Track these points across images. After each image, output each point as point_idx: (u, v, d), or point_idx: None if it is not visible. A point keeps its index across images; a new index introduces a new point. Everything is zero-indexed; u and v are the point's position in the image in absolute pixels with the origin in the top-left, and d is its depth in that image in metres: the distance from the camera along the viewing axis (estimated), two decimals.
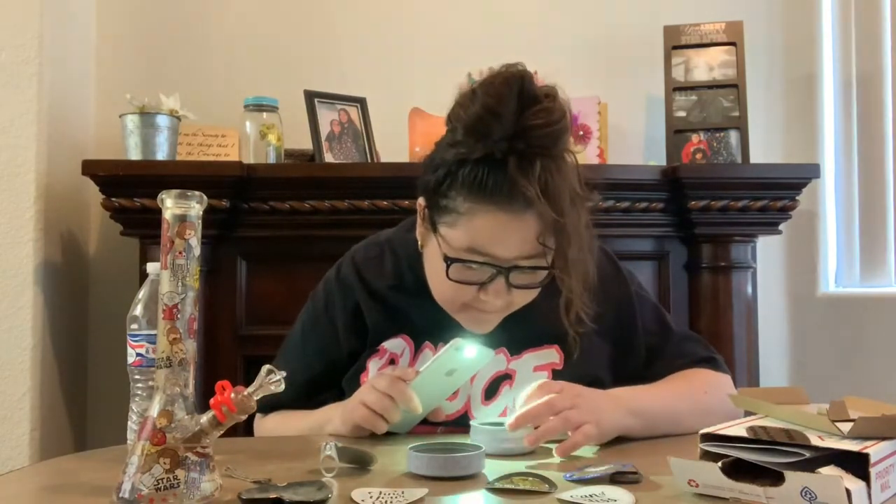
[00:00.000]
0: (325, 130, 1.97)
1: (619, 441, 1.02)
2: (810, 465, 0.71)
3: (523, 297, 1.06)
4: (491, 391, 1.11)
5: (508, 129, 0.97)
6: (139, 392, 0.94)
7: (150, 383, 0.90)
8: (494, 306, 1.04)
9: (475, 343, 1.03)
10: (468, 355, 1.02)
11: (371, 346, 1.15)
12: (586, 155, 2.00)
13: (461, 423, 1.08)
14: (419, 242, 1.11)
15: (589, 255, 1.06)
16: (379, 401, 1.02)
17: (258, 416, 1.23)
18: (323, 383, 1.18)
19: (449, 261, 1.02)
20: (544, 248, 1.00)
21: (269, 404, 1.14)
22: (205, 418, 0.76)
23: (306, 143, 1.99)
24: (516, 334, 1.11)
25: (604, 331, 1.13)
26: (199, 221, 0.78)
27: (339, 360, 1.18)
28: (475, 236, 1.00)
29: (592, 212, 1.07)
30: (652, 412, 1.05)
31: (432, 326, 1.11)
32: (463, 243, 1.01)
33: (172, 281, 0.76)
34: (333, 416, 1.10)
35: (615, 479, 0.83)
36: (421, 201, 1.08)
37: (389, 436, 1.06)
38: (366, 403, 1.03)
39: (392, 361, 1.13)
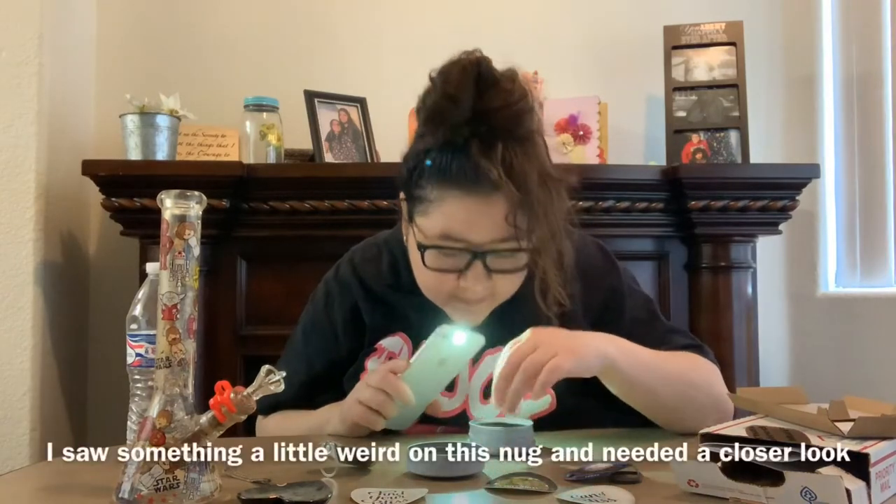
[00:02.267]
0: (325, 130, 1.97)
1: (618, 439, 1.02)
2: (810, 465, 0.71)
3: (506, 285, 1.06)
4: (489, 389, 1.11)
5: (467, 114, 0.98)
6: (139, 392, 0.94)
7: (150, 383, 0.90)
8: (476, 293, 1.04)
9: (463, 329, 1.03)
10: (457, 343, 1.02)
11: (369, 345, 1.16)
12: (586, 155, 2.00)
13: (460, 422, 1.08)
14: (404, 237, 1.12)
15: (565, 238, 1.06)
16: (373, 397, 1.02)
17: (259, 416, 1.23)
18: (324, 383, 1.19)
19: (422, 248, 1.03)
20: (515, 229, 1.00)
21: (271, 404, 1.15)
22: (204, 418, 0.76)
23: (306, 143, 1.99)
24: (513, 332, 1.11)
25: (591, 319, 1.13)
26: (199, 221, 0.78)
27: (339, 359, 1.18)
28: (447, 222, 1.01)
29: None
30: (637, 355, 1.04)
31: (429, 324, 1.11)
32: (436, 230, 1.02)
33: (172, 281, 0.76)
34: (332, 417, 1.10)
35: (615, 479, 0.83)
36: (401, 195, 1.09)
37: (389, 436, 1.06)
38: (361, 401, 1.03)
39: (390, 360, 1.13)
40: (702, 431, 0.80)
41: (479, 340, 1.05)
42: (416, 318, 1.13)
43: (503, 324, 1.09)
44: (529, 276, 1.09)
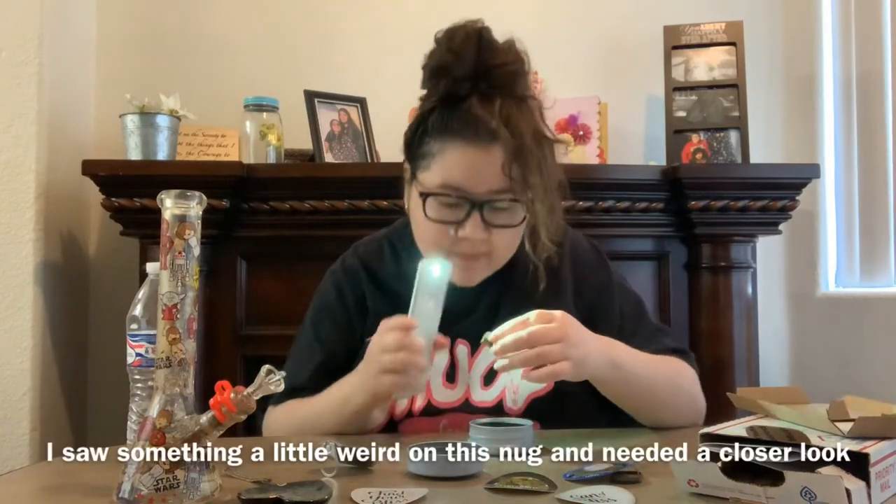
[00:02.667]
0: (325, 130, 1.97)
1: (618, 439, 1.02)
2: (810, 465, 0.71)
3: (503, 241, 1.11)
4: (489, 377, 1.13)
5: (468, 69, 1.05)
6: (139, 392, 0.95)
7: (150, 383, 0.90)
8: (474, 246, 1.08)
9: (435, 261, 1.04)
10: (435, 273, 1.04)
11: (369, 334, 1.16)
12: (586, 155, 2.00)
13: (463, 411, 1.10)
14: (405, 204, 1.17)
15: (556, 194, 1.10)
16: (395, 360, 1.00)
17: (270, 406, 1.21)
18: (338, 368, 1.16)
19: (424, 196, 1.08)
20: (511, 180, 1.04)
21: (285, 393, 1.14)
22: (204, 418, 0.76)
23: (306, 143, 1.99)
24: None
25: (582, 312, 1.14)
26: (199, 221, 0.78)
27: (352, 346, 1.19)
28: (447, 173, 1.07)
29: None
30: (631, 368, 1.08)
31: None
32: (437, 181, 1.08)
33: (172, 281, 0.76)
34: (351, 394, 1.08)
35: (615, 479, 0.83)
36: (405, 164, 1.15)
37: (389, 436, 1.06)
38: (388, 369, 1.01)
39: None
40: (702, 431, 0.80)
41: (449, 267, 1.06)
42: None
43: (500, 317, 1.08)
44: (523, 266, 1.12)
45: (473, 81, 1.06)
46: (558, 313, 1.02)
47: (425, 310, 1.04)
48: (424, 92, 1.12)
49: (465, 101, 1.06)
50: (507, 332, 0.99)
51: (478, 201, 1.07)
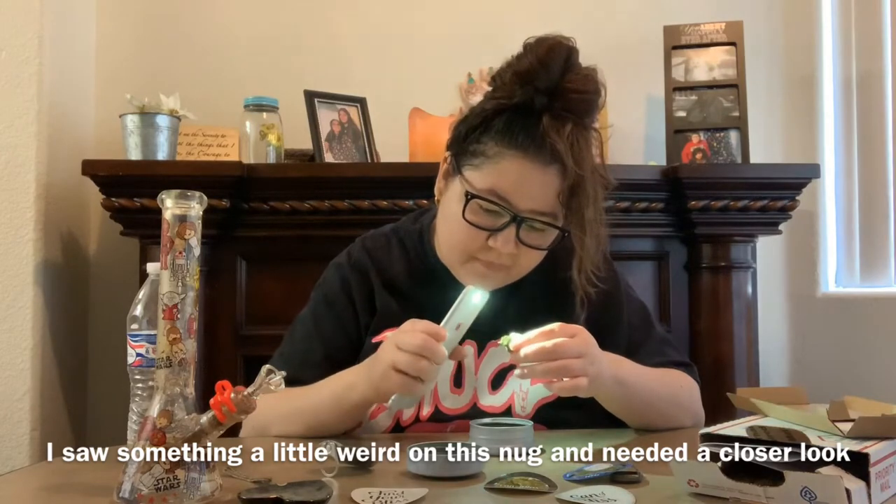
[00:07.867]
0: (325, 130, 1.97)
1: (618, 439, 1.02)
2: (810, 465, 0.71)
3: (527, 260, 1.10)
4: (497, 382, 1.13)
5: (552, 84, 1.04)
6: (139, 392, 0.94)
7: (151, 383, 0.90)
8: (501, 257, 1.07)
9: (478, 290, 1.04)
10: (476, 301, 1.03)
11: (374, 332, 1.16)
12: None
13: (470, 417, 1.08)
14: (436, 196, 1.15)
15: (603, 230, 1.10)
16: (412, 363, 0.97)
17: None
18: (334, 364, 1.14)
19: (469, 196, 1.06)
20: (561, 206, 1.05)
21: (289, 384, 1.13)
22: (205, 418, 0.76)
23: (306, 143, 1.99)
24: (523, 330, 1.11)
25: (590, 320, 1.14)
26: (199, 221, 0.78)
27: (356, 338, 1.17)
28: (498, 180, 1.06)
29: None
30: (633, 384, 1.08)
31: (438, 315, 1.11)
32: (485, 185, 1.06)
33: (172, 281, 0.76)
34: (354, 385, 1.06)
35: (615, 479, 0.83)
36: (446, 155, 1.13)
37: (389, 436, 1.06)
38: (398, 368, 0.98)
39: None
40: (702, 431, 0.80)
41: (486, 297, 1.05)
42: (426, 308, 1.12)
43: (511, 323, 1.08)
44: (545, 270, 1.12)
45: (550, 98, 1.05)
46: (579, 328, 1.02)
47: (450, 332, 1.02)
48: (490, 88, 1.11)
49: (537, 115, 1.05)
50: (531, 341, 0.99)
51: (518, 216, 1.05)
